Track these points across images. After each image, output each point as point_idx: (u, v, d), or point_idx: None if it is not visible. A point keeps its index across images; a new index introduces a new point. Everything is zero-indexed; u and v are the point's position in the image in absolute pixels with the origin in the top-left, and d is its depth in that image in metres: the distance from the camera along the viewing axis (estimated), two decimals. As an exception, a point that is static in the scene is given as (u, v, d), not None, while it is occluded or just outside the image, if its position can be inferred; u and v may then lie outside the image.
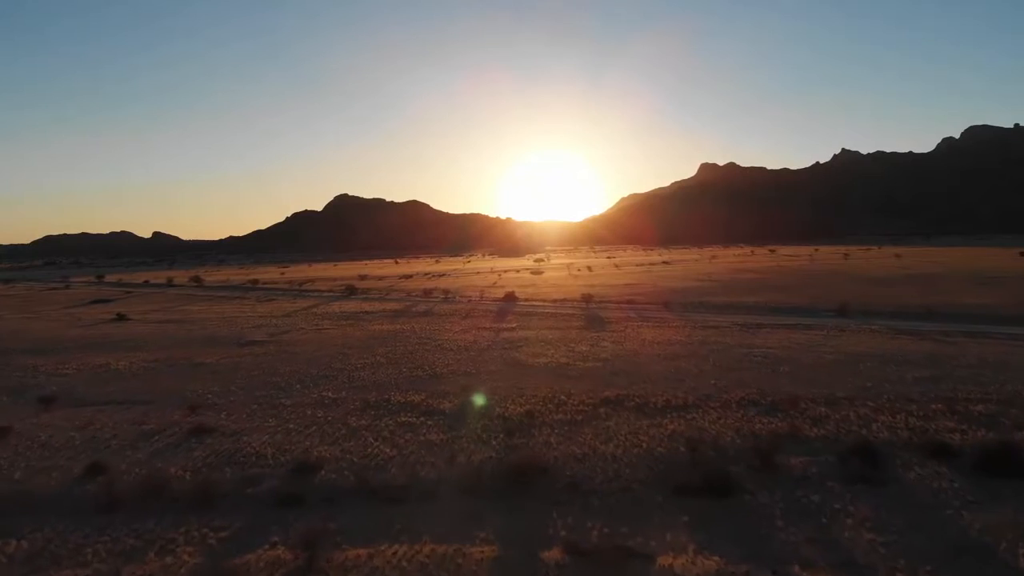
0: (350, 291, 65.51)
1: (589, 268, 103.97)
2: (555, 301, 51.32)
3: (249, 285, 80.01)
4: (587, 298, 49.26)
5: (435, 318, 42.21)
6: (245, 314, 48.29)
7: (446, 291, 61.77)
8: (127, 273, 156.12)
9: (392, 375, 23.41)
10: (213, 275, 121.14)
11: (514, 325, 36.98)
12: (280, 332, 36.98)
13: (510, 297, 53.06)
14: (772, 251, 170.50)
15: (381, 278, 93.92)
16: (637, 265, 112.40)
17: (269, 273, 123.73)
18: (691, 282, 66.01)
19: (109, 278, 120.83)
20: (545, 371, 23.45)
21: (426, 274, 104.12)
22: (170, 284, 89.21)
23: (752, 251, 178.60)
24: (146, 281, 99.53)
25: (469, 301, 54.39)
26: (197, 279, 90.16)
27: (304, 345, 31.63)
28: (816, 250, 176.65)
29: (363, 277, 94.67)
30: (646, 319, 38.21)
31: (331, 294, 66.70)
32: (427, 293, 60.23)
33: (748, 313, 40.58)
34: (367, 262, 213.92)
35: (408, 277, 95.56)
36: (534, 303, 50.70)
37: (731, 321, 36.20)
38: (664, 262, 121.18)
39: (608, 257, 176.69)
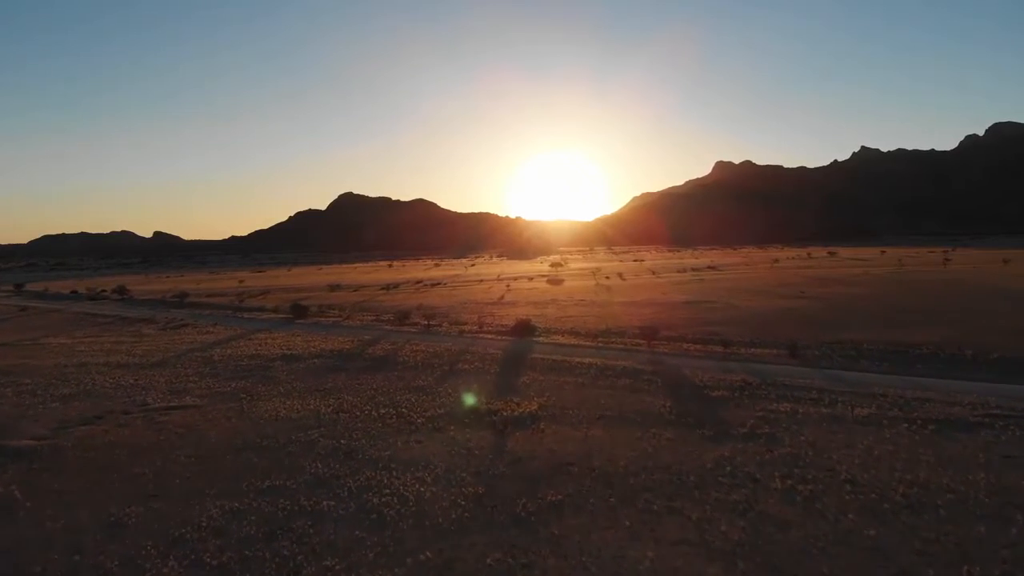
0: (298, 312, 46.68)
1: (620, 276, 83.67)
2: (595, 337, 32.42)
3: (175, 300, 61.39)
4: (648, 332, 30.36)
5: (393, 376, 24.19)
6: (109, 358, 30.40)
7: (431, 314, 43.02)
8: (91, 279, 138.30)
9: None
10: (156, 284, 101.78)
11: (534, 406, 18.87)
12: (90, 419, 19.07)
13: (523, 327, 34.51)
14: (831, 253, 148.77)
15: (357, 288, 74.77)
16: (678, 271, 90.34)
17: (229, 281, 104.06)
18: (778, 300, 46.35)
19: (70, 283, 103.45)
20: None
21: (417, 282, 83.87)
22: (94, 297, 71.33)
23: (809, 253, 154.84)
24: (74, 291, 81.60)
25: (461, 333, 35.96)
26: (122, 290, 72.09)
27: (75, 477, 13.82)
28: (883, 251, 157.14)
29: (335, 287, 75.66)
30: (782, 389, 19.94)
31: (272, 316, 48.23)
32: (403, 318, 41.48)
33: (945, 374, 22.14)
34: (361, 264, 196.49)
35: (393, 287, 76.22)
36: (562, 340, 32.15)
37: (949, 397, 17.98)
38: (710, 267, 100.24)
39: (635, 260, 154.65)
